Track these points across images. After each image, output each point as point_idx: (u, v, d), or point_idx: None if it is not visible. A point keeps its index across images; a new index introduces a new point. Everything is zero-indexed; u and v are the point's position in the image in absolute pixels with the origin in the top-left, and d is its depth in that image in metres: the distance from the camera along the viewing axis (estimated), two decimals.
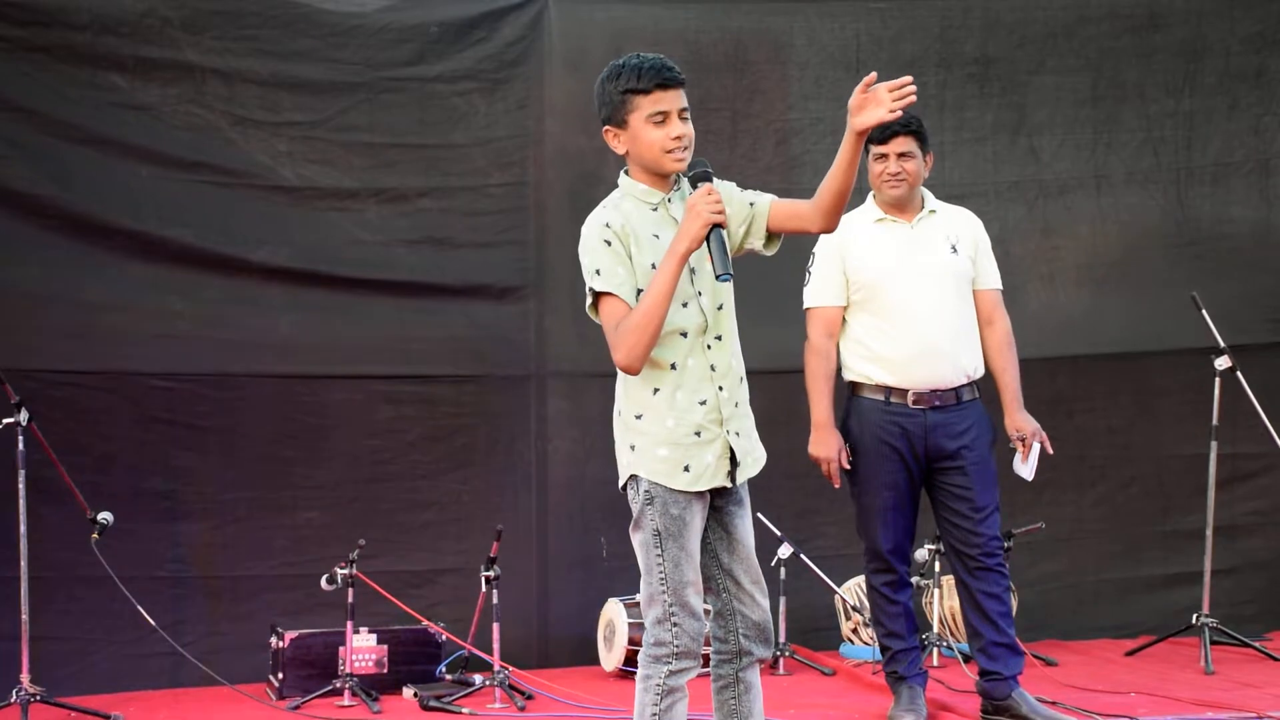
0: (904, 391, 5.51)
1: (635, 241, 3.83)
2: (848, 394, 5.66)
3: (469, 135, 7.11)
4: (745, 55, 7.41)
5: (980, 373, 5.64)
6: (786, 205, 3.95)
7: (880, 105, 3.79)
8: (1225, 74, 7.61)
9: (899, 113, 3.81)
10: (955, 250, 5.61)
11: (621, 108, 3.85)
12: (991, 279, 5.71)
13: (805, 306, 5.68)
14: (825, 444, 5.58)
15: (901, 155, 5.56)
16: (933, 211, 5.67)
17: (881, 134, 5.54)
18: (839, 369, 5.68)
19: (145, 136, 6.73)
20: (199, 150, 6.80)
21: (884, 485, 5.56)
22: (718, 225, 3.76)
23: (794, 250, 6.91)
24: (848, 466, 5.57)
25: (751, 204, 3.94)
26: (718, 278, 3.78)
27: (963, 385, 5.56)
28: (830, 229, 3.95)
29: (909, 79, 3.79)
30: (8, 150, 6.58)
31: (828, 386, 5.60)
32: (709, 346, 3.88)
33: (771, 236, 3.95)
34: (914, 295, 5.50)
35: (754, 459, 3.96)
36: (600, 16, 7.26)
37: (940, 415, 5.52)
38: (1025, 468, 5.57)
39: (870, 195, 5.71)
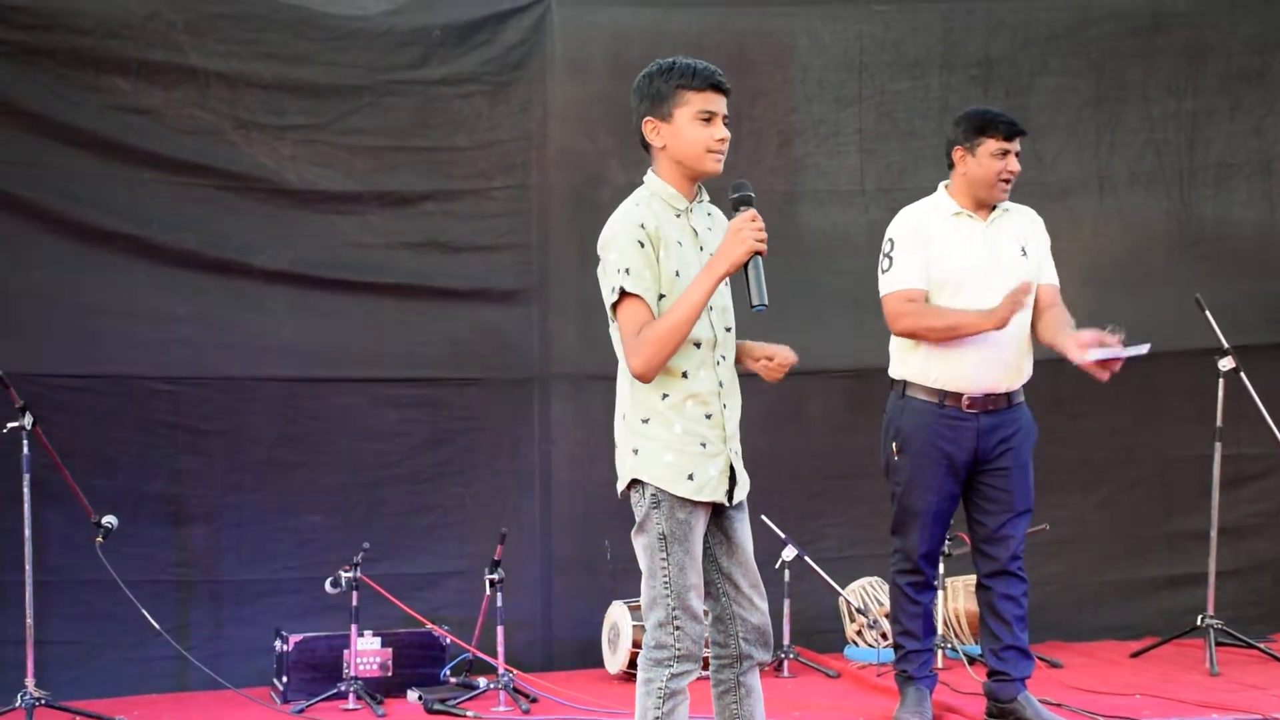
0: (958, 395, 5.43)
1: (664, 246, 3.82)
2: (897, 392, 5.56)
3: (472, 138, 7.12)
4: (748, 57, 7.41)
5: (1030, 375, 5.59)
6: None
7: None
8: (1227, 75, 7.61)
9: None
10: (1025, 253, 5.53)
11: (669, 100, 3.85)
12: (1051, 276, 5.62)
13: (890, 290, 5.48)
14: (999, 309, 5.28)
15: (1016, 154, 5.52)
16: (1005, 210, 5.59)
17: (1009, 131, 5.46)
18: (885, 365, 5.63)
19: (148, 140, 6.74)
20: (202, 154, 6.81)
21: (929, 489, 5.50)
22: (758, 253, 3.77)
23: (795, 251, 6.95)
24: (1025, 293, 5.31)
25: None
26: (753, 307, 3.78)
27: (1015, 390, 5.53)
28: None
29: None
30: (11, 154, 6.59)
31: (949, 309, 5.39)
32: (718, 363, 3.88)
33: None
34: (986, 299, 5.40)
35: (745, 483, 3.97)
36: (602, 19, 7.27)
37: (992, 418, 5.46)
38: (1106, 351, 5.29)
39: (941, 186, 5.61)
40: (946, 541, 6.47)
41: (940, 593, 6.70)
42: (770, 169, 7.40)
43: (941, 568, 6.63)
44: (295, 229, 6.92)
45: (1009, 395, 5.50)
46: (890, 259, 5.52)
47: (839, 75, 7.44)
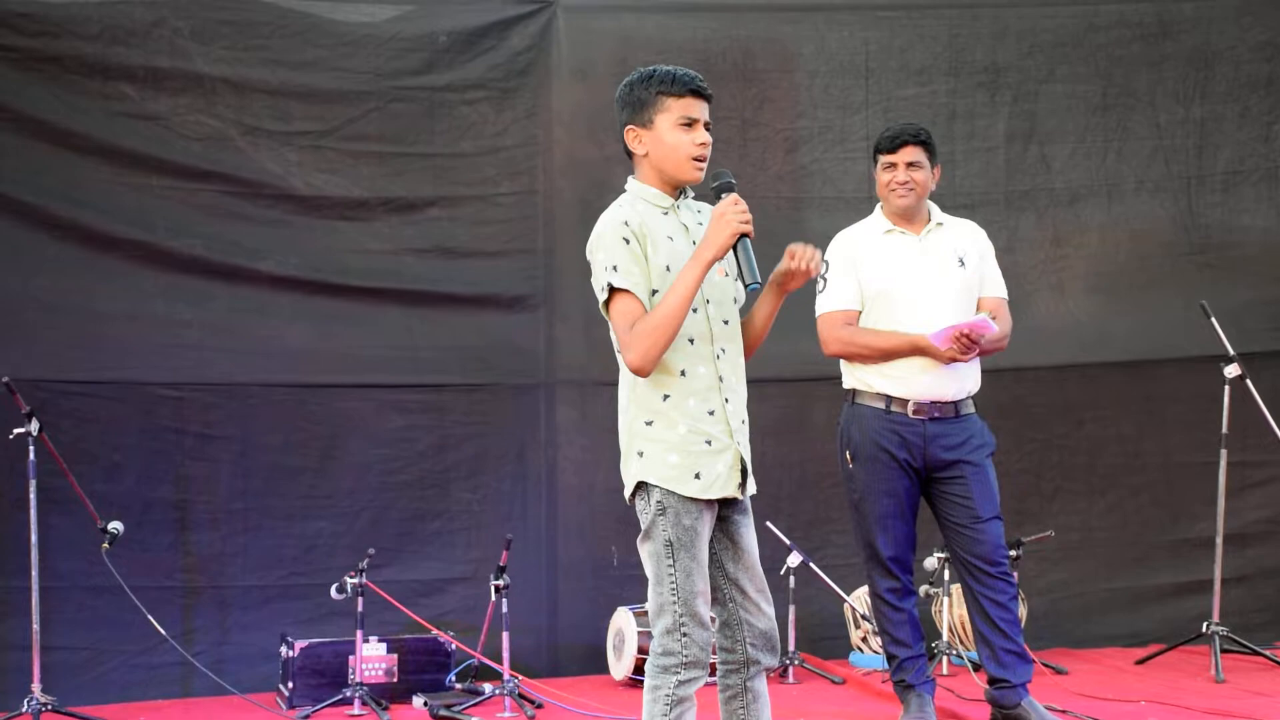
0: (904, 401, 5.52)
1: (651, 242, 3.84)
2: (849, 400, 5.65)
3: (478, 144, 7.12)
4: (754, 64, 7.42)
5: (978, 386, 5.63)
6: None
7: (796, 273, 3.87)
8: (1235, 82, 7.60)
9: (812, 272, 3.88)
10: (963, 264, 5.61)
11: (650, 107, 3.87)
12: (997, 287, 5.71)
13: (823, 311, 5.63)
14: (939, 347, 5.42)
15: (910, 165, 5.58)
16: (940, 224, 5.68)
17: (891, 144, 5.59)
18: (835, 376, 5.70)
19: (155, 146, 6.76)
20: (209, 160, 6.82)
21: (885, 493, 5.56)
22: (744, 235, 3.77)
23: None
24: (981, 326, 5.41)
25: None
26: (746, 288, 3.80)
27: (962, 399, 5.57)
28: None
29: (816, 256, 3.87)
30: (18, 160, 6.61)
31: (884, 331, 5.52)
32: (717, 357, 3.88)
33: None
34: (922, 309, 5.50)
35: (752, 478, 3.97)
36: (608, 25, 7.28)
37: (939, 426, 5.52)
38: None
39: (878, 206, 5.72)
40: (938, 556, 6.50)
41: (946, 599, 6.71)
42: (777, 175, 7.40)
43: (947, 574, 6.64)
44: (302, 235, 6.93)
45: (956, 404, 5.56)
46: (824, 280, 5.64)
47: (845, 81, 7.44)
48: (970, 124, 7.51)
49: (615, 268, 3.80)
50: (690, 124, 3.87)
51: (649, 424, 3.86)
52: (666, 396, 3.84)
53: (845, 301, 5.60)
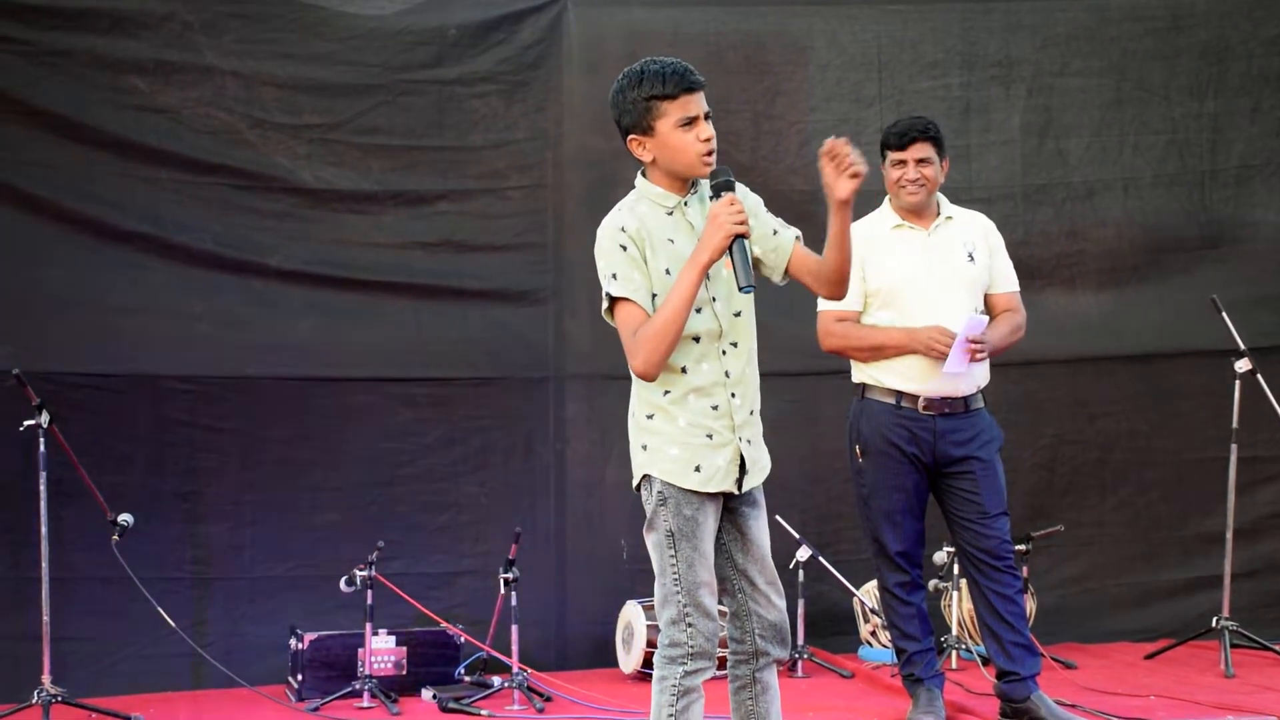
0: (914, 397, 5.52)
1: (650, 246, 3.83)
2: (858, 395, 5.65)
3: (487, 138, 7.12)
4: (765, 57, 7.40)
5: (988, 380, 5.63)
6: (804, 257, 3.93)
7: (842, 174, 3.75)
8: (1248, 76, 7.58)
9: (860, 176, 3.77)
10: (972, 258, 5.60)
11: (647, 114, 3.83)
12: (1008, 282, 5.71)
13: (821, 309, 5.65)
14: (926, 334, 5.45)
15: (920, 161, 5.57)
16: (949, 218, 5.67)
17: (900, 140, 5.58)
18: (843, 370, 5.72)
19: (165, 139, 6.77)
20: (218, 153, 6.83)
21: (894, 488, 5.56)
22: (740, 236, 3.76)
23: (815, 251, 6.95)
24: (951, 335, 5.43)
25: (775, 233, 3.93)
26: (740, 289, 3.78)
27: (972, 395, 5.57)
28: (836, 299, 4.07)
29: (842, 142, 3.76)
30: (28, 153, 6.62)
31: (878, 327, 5.55)
32: (724, 352, 3.87)
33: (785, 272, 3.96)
34: (931, 305, 5.49)
35: (760, 467, 3.95)
36: (619, 19, 7.27)
37: (948, 422, 5.52)
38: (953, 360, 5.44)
39: (886, 200, 5.71)
40: (948, 550, 6.49)
41: (955, 593, 6.70)
42: (790, 168, 7.38)
43: (956, 569, 6.63)
44: (311, 228, 6.94)
45: (966, 400, 5.56)
46: None
47: (858, 75, 7.43)
48: (985, 118, 7.50)
49: (614, 276, 3.81)
50: (691, 122, 3.83)
51: (650, 418, 3.87)
52: (667, 392, 3.84)
53: (844, 301, 5.57)
